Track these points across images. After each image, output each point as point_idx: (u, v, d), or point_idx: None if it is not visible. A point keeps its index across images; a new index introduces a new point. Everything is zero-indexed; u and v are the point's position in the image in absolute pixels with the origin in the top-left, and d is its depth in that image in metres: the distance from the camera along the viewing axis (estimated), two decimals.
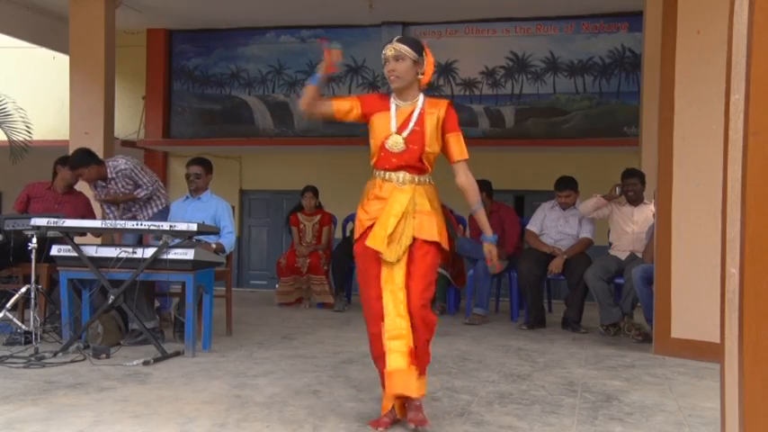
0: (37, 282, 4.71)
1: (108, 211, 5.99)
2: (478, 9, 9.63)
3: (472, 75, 10.17)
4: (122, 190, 5.88)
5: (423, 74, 3.13)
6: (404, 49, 3.08)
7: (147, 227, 4.85)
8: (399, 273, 3.01)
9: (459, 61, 10.19)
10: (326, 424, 3.12)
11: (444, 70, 10.25)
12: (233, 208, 5.81)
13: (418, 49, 3.11)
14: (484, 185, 6.66)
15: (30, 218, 4.81)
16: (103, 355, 4.44)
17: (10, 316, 4.75)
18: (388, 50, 3.10)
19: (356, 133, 10.23)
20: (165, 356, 4.46)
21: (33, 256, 4.60)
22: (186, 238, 4.64)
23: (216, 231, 5.03)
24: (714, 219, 3.83)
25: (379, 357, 3.05)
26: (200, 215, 5.27)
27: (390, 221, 3.02)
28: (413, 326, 2.97)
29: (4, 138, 8.44)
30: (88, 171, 5.71)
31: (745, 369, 1.75)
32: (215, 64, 10.95)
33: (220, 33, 10.84)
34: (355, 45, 10.51)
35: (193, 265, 4.56)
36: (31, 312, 4.60)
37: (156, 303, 5.47)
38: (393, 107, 3.17)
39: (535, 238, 6.31)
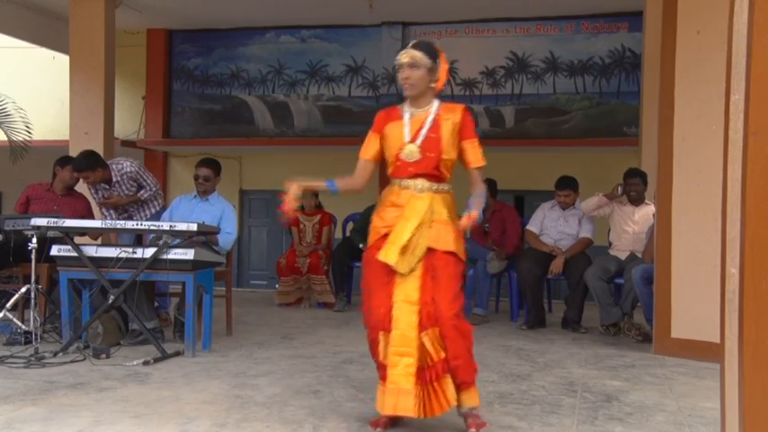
0: (37, 282, 4.71)
1: (106, 213, 5.97)
2: (478, 9, 9.63)
3: (472, 75, 10.17)
4: (126, 192, 5.86)
5: (437, 81, 3.08)
6: (419, 56, 3.02)
7: (147, 227, 4.85)
8: (413, 284, 2.94)
9: (459, 61, 10.18)
10: (326, 424, 3.12)
11: None
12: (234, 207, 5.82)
13: (433, 55, 3.05)
14: (489, 185, 6.66)
15: (30, 218, 4.81)
16: (103, 355, 4.44)
17: (10, 316, 4.75)
18: (403, 57, 3.04)
19: (356, 133, 10.25)
20: (165, 356, 4.46)
21: (33, 256, 4.60)
22: (187, 238, 4.65)
23: (216, 231, 5.03)
24: (714, 219, 3.83)
25: (380, 367, 3.01)
26: (206, 217, 5.27)
27: (406, 232, 2.95)
28: (448, 338, 2.88)
29: (4, 138, 8.43)
30: (94, 174, 5.68)
31: (745, 369, 1.76)
32: (215, 64, 10.95)
33: (220, 33, 10.84)
34: (355, 45, 10.52)
35: (193, 265, 4.56)
36: (31, 312, 4.60)
37: (155, 303, 5.46)
38: (407, 115, 3.11)
39: (535, 238, 6.31)
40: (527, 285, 6.08)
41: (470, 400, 2.99)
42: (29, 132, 8.44)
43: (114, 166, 5.79)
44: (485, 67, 10.11)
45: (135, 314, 4.71)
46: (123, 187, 5.83)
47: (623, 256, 5.87)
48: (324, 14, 10.01)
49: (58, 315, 4.96)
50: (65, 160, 5.95)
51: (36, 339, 4.49)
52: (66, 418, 3.14)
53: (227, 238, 5.35)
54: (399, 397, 2.86)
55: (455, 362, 2.90)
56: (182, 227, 4.58)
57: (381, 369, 2.98)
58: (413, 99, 3.10)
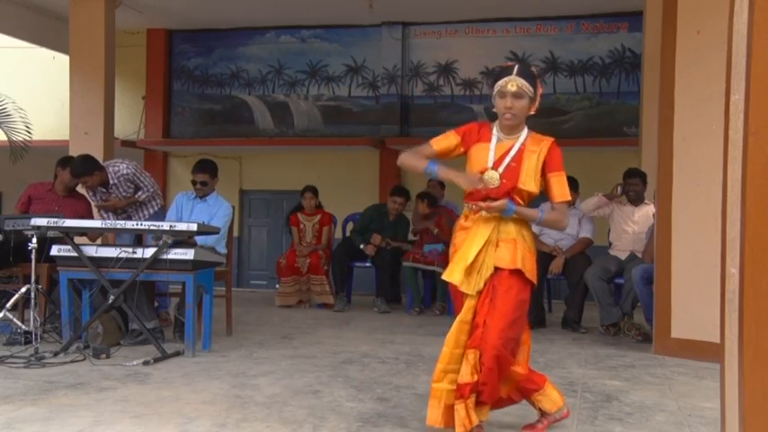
0: (37, 282, 4.71)
1: (105, 215, 5.97)
2: (478, 9, 9.63)
3: (472, 75, 10.17)
4: (124, 194, 5.86)
5: (533, 109, 2.98)
6: (525, 86, 2.91)
7: (147, 227, 4.85)
8: (470, 303, 2.88)
9: (459, 61, 10.19)
10: (326, 424, 3.12)
11: (444, 70, 10.25)
12: (233, 208, 5.81)
13: (535, 84, 2.95)
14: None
15: (30, 218, 4.80)
16: (103, 355, 4.44)
17: (10, 316, 4.74)
18: (510, 85, 2.90)
19: (356, 133, 10.27)
20: (165, 356, 4.46)
21: (33, 256, 4.60)
22: (187, 238, 4.65)
23: (216, 231, 5.02)
24: (714, 219, 3.83)
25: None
26: (204, 217, 5.26)
27: (471, 252, 2.88)
28: (486, 366, 2.82)
29: (4, 138, 8.44)
30: (92, 179, 5.68)
31: (745, 369, 1.75)
32: (215, 64, 10.95)
33: (220, 33, 10.85)
34: (355, 45, 10.52)
35: (193, 265, 4.56)
36: (31, 312, 4.60)
37: (155, 303, 5.46)
38: (494, 140, 3.00)
39: (535, 238, 6.30)
40: None
41: (481, 414, 2.95)
42: (29, 132, 8.44)
43: (111, 169, 5.78)
44: (485, 67, 10.10)
45: (135, 314, 4.71)
46: (120, 189, 5.83)
47: (623, 256, 5.87)
48: (324, 14, 10.01)
49: (58, 315, 4.96)
50: (66, 161, 5.93)
51: (36, 339, 4.49)
52: (67, 418, 3.14)
53: (214, 237, 5.27)
54: (441, 412, 2.87)
55: (482, 387, 2.86)
56: (181, 227, 4.58)
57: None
58: (508, 127, 2.99)
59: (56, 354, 4.46)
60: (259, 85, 10.84)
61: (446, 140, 3.06)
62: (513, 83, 2.90)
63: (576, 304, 6.01)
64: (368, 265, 7.30)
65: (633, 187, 5.91)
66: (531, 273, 2.92)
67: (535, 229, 6.32)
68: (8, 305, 4.77)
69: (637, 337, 5.46)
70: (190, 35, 10.97)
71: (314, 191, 7.51)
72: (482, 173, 2.95)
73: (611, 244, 6.08)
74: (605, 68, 9.83)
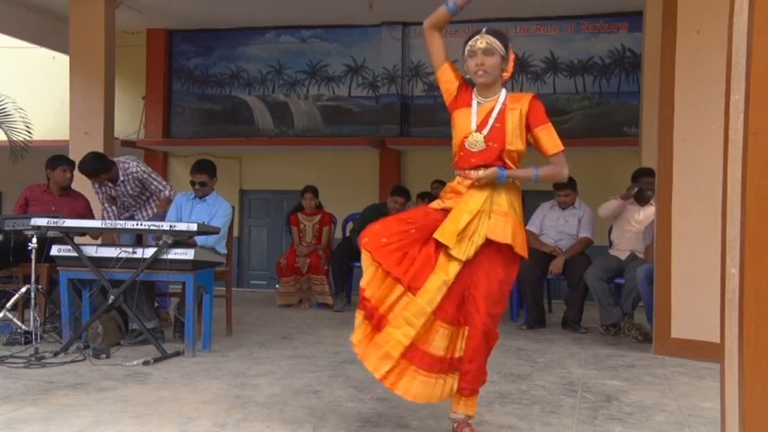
0: (37, 282, 4.71)
1: (108, 209, 5.97)
2: (478, 9, 9.54)
3: None
4: (131, 192, 5.87)
5: (506, 70, 2.97)
6: (495, 43, 2.89)
7: (147, 227, 4.85)
8: (455, 268, 2.79)
9: (459, 61, 10.15)
10: (326, 424, 3.12)
11: None
12: (233, 208, 5.80)
13: (506, 43, 2.94)
14: None
15: (30, 218, 4.80)
16: (103, 355, 4.44)
17: (10, 316, 4.74)
18: (479, 42, 2.89)
19: (356, 133, 10.26)
20: (165, 356, 4.46)
21: (33, 256, 4.60)
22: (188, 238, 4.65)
23: (216, 231, 5.02)
24: (714, 219, 3.83)
25: (373, 309, 2.83)
26: (204, 217, 5.27)
27: (464, 218, 2.81)
28: (473, 341, 2.79)
29: (4, 138, 8.44)
30: (108, 174, 5.69)
31: (745, 369, 1.76)
32: (215, 64, 10.95)
33: (220, 33, 10.84)
34: (355, 45, 10.52)
35: (193, 265, 4.56)
36: (31, 312, 4.60)
37: (155, 303, 5.46)
38: (474, 104, 2.96)
39: (535, 238, 6.30)
40: (527, 285, 6.08)
41: (469, 407, 2.91)
42: (29, 132, 8.44)
43: (121, 165, 5.78)
44: None
45: (135, 314, 4.71)
46: (128, 187, 5.83)
47: (623, 255, 5.86)
48: (324, 14, 10.01)
49: (58, 315, 4.96)
50: (54, 161, 5.85)
51: (36, 339, 4.49)
52: (67, 418, 3.14)
53: (214, 237, 5.29)
54: (378, 357, 2.77)
55: (468, 365, 2.82)
56: (182, 227, 4.58)
57: (375, 314, 2.82)
58: (482, 87, 2.96)
59: (56, 354, 4.46)
60: (259, 85, 10.83)
61: (453, 72, 3.03)
62: (482, 40, 2.90)
63: (576, 304, 6.01)
64: None
65: (650, 186, 5.84)
66: (522, 248, 2.89)
67: (535, 229, 6.38)
68: (8, 305, 4.77)
69: (637, 336, 5.46)
70: (190, 35, 10.96)
71: (314, 191, 7.52)
72: (465, 138, 2.93)
73: (611, 243, 6.07)
74: (605, 68, 9.83)
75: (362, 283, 2.87)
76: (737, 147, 1.84)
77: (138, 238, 5.70)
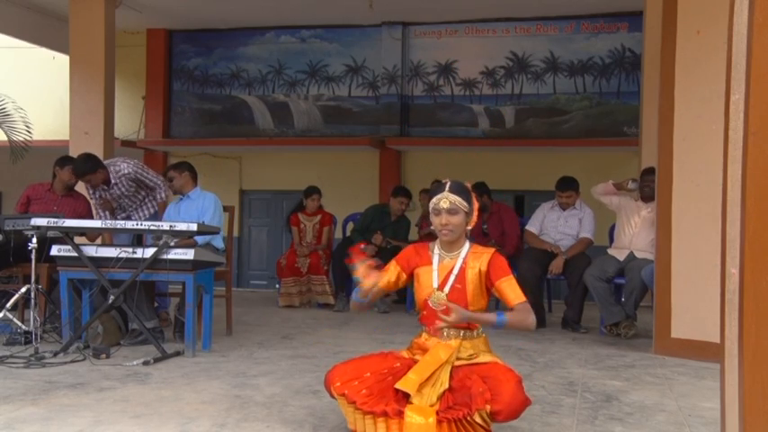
0: (37, 282, 4.71)
1: (102, 214, 5.97)
2: (478, 9, 9.63)
3: (472, 75, 10.17)
4: (126, 193, 5.87)
5: (470, 223, 2.96)
6: (458, 202, 2.90)
7: (146, 227, 4.85)
8: (435, 393, 2.76)
9: (459, 61, 10.19)
10: (326, 424, 3.12)
11: (444, 70, 10.25)
12: (233, 208, 5.80)
13: (469, 198, 2.95)
14: (479, 187, 6.65)
15: (30, 218, 4.81)
16: (103, 355, 4.44)
17: (10, 316, 4.75)
18: (443, 202, 2.90)
19: (356, 133, 10.27)
20: (165, 356, 4.46)
21: (33, 256, 4.60)
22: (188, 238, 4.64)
23: (216, 231, 5.02)
24: (714, 219, 3.83)
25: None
26: (192, 213, 5.27)
27: (429, 368, 2.81)
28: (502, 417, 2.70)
29: (4, 138, 8.44)
30: (95, 177, 5.69)
31: (745, 369, 1.75)
32: (215, 64, 10.95)
33: (220, 33, 10.84)
34: (355, 45, 10.52)
35: (193, 265, 4.56)
36: (31, 312, 4.60)
37: (155, 303, 5.46)
38: (436, 259, 2.99)
39: (535, 238, 6.31)
40: (527, 285, 6.06)
41: None
42: (29, 132, 8.44)
43: (111, 168, 5.78)
44: (485, 67, 10.11)
45: (135, 314, 4.71)
46: (123, 188, 5.83)
47: (622, 255, 5.85)
48: (324, 14, 10.01)
49: (58, 315, 4.96)
50: (64, 160, 5.93)
51: (36, 339, 4.49)
52: (67, 418, 3.14)
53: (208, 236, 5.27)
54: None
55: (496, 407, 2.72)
56: (182, 227, 4.58)
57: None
58: (446, 243, 2.98)
59: (56, 354, 4.46)
60: (259, 85, 10.84)
61: (388, 273, 3.04)
62: (445, 199, 2.91)
63: (576, 304, 6.00)
64: None
65: (650, 184, 5.85)
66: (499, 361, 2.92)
67: (535, 229, 6.37)
68: (8, 305, 4.77)
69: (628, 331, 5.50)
70: (190, 35, 10.97)
71: (320, 193, 7.54)
72: (428, 296, 2.95)
73: (612, 241, 6.07)
74: (605, 68, 9.83)
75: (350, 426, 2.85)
76: (737, 146, 1.84)
77: (137, 238, 5.70)
